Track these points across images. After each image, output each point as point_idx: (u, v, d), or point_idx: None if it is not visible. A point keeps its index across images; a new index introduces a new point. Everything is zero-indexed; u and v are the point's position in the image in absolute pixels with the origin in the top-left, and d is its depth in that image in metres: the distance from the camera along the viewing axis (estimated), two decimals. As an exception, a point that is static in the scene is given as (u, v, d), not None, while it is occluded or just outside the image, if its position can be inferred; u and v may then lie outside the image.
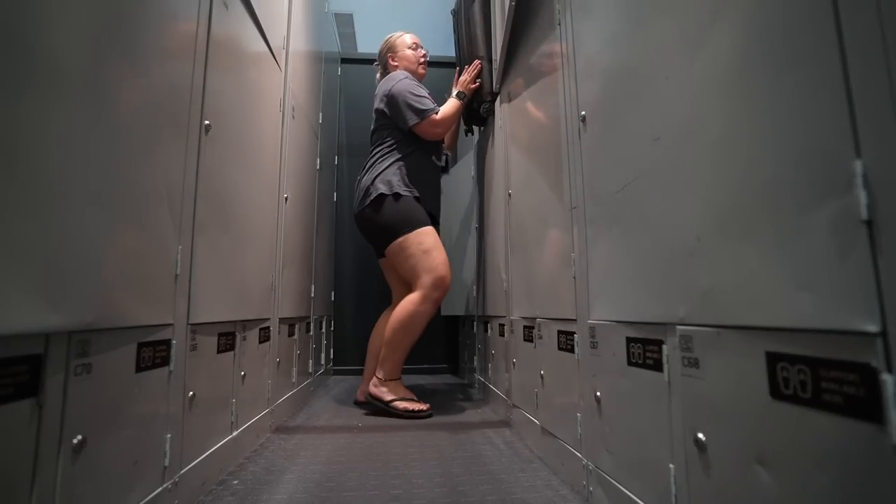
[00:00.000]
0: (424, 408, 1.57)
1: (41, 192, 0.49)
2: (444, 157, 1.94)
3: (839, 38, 0.37)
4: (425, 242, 1.61)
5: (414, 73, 1.84)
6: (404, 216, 1.62)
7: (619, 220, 0.77)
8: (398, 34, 1.90)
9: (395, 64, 1.85)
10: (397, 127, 1.70)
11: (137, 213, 0.69)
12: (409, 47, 1.87)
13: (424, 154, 1.75)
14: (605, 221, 0.82)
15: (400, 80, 1.71)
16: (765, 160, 0.45)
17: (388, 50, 1.87)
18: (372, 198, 1.64)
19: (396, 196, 1.62)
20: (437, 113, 1.67)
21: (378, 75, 1.94)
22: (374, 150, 1.74)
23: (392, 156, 1.68)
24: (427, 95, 1.71)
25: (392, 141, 1.70)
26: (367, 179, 1.69)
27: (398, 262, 1.66)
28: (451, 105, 1.73)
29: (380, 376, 1.60)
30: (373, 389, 1.60)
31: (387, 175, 1.65)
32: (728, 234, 0.50)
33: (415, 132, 1.68)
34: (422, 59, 1.89)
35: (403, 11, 1.85)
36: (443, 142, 1.87)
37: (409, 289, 1.67)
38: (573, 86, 0.95)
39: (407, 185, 1.65)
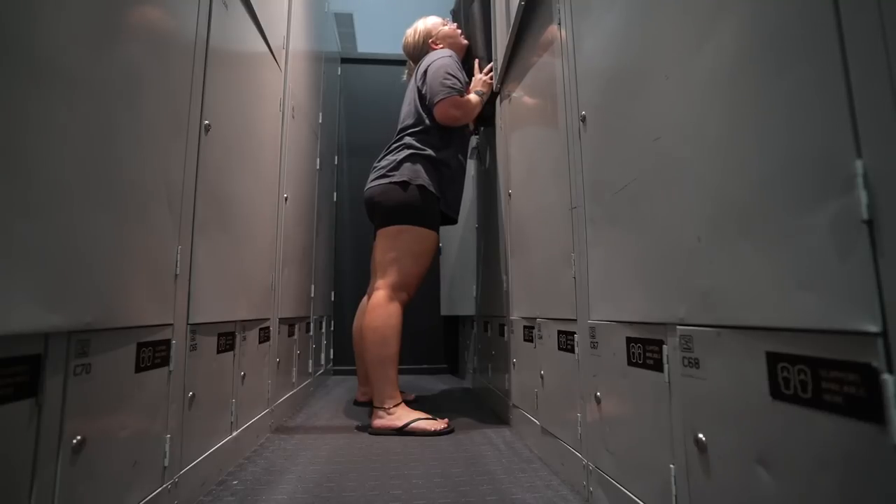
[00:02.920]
0: (445, 425, 1.40)
1: (41, 192, 0.49)
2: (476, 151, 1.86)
3: (839, 38, 0.37)
4: (420, 245, 1.53)
5: (460, 46, 1.78)
6: (419, 208, 1.51)
7: (620, 220, 0.77)
8: (420, 21, 1.82)
9: (440, 45, 1.77)
10: (428, 111, 1.59)
11: (137, 213, 0.69)
12: (443, 24, 1.81)
13: (457, 153, 1.67)
14: (605, 221, 0.82)
15: (442, 57, 1.62)
16: (765, 160, 0.45)
17: (426, 36, 1.79)
18: (394, 180, 1.52)
19: (421, 188, 1.52)
20: (462, 96, 1.57)
21: (406, 76, 1.86)
22: (405, 134, 1.60)
23: (426, 151, 1.56)
24: (462, 80, 1.60)
25: (426, 132, 1.59)
26: (392, 159, 1.56)
27: (383, 246, 1.55)
28: (473, 97, 1.64)
29: (382, 406, 1.43)
30: (379, 423, 1.40)
31: (417, 168, 1.54)
32: (728, 234, 0.50)
33: (435, 112, 1.57)
34: (459, 31, 1.83)
35: (403, 11, 1.84)
36: (471, 133, 1.78)
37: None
38: (573, 85, 0.95)
39: (435, 184, 1.56)
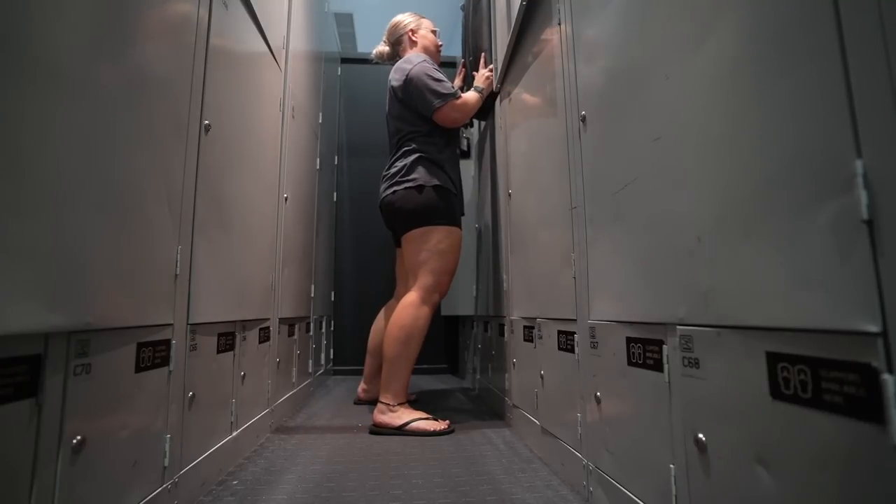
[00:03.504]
0: (445, 426, 1.41)
1: (41, 192, 0.49)
2: (465, 141, 1.90)
3: (839, 38, 0.37)
4: (447, 242, 1.53)
5: (433, 56, 1.76)
6: (439, 207, 1.53)
7: (620, 220, 0.77)
8: (415, 16, 1.81)
9: (416, 40, 1.76)
10: (421, 116, 1.59)
11: (137, 213, 0.69)
12: (432, 31, 1.80)
13: (456, 149, 1.68)
14: (605, 221, 0.82)
15: (418, 63, 1.60)
16: (765, 160, 0.45)
17: (408, 28, 1.77)
18: (409, 185, 1.53)
19: (437, 188, 1.53)
20: (458, 98, 1.58)
21: (381, 48, 1.83)
22: (406, 139, 1.61)
23: (432, 152, 1.57)
24: (446, 79, 1.61)
25: (428, 134, 1.59)
26: (402, 164, 1.57)
27: (411, 250, 1.56)
28: (471, 95, 1.65)
29: (386, 401, 1.43)
30: (380, 418, 1.42)
31: (429, 169, 1.55)
32: (728, 234, 0.50)
33: (436, 119, 1.58)
34: (440, 47, 1.82)
35: (403, 12, 1.84)
36: (460, 131, 1.79)
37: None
38: (573, 85, 0.95)
39: (451, 182, 1.58)
